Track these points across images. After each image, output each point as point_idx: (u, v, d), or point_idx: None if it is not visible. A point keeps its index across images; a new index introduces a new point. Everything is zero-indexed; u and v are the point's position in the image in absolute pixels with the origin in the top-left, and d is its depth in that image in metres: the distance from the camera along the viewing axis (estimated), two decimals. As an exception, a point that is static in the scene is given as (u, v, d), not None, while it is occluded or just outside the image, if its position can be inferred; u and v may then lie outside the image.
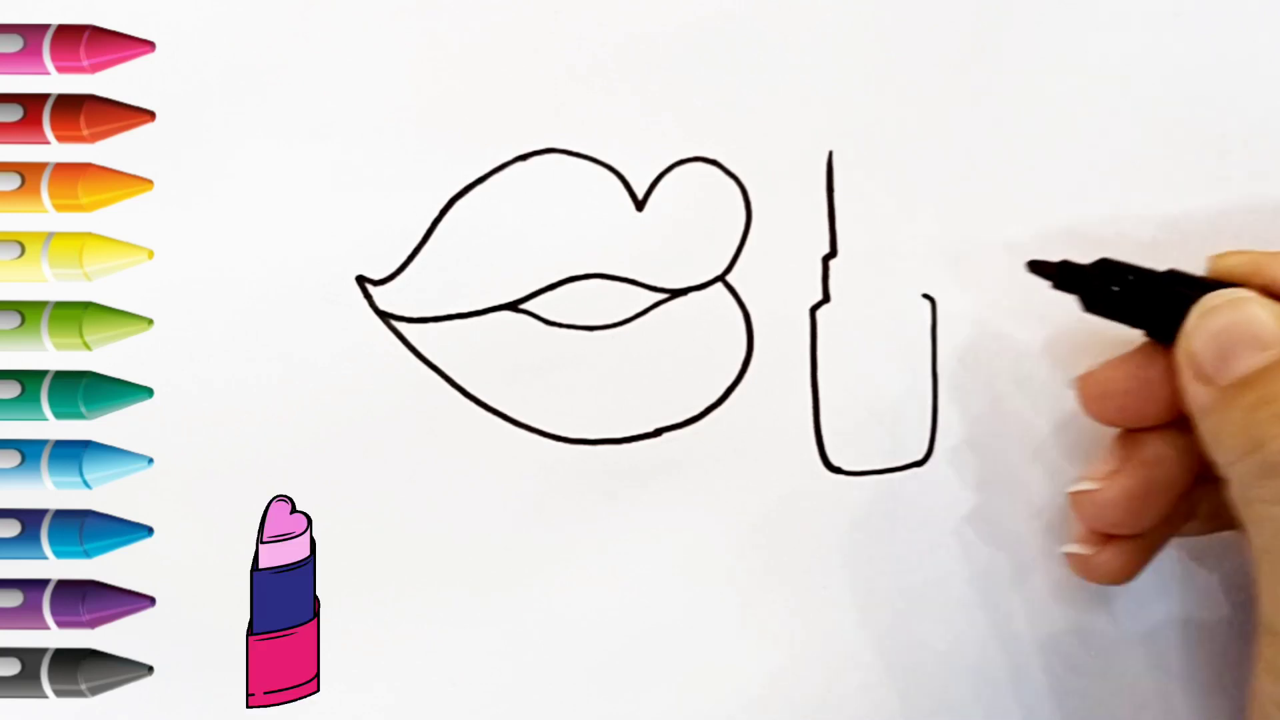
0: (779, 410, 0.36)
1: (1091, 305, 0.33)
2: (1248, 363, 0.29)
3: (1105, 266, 0.32)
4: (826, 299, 0.36)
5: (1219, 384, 0.29)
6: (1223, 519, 0.33)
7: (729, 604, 0.36)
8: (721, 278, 0.36)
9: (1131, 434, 0.33)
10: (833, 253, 0.36)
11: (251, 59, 0.36)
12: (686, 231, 0.36)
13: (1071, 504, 0.34)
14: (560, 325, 0.36)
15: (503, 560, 0.36)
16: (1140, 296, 0.32)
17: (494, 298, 0.36)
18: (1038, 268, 0.33)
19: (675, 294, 0.36)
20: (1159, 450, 0.32)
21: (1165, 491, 0.32)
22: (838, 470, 0.36)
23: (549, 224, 0.36)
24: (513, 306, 0.36)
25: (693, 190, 0.36)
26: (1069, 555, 0.34)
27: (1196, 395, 0.30)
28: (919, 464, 0.36)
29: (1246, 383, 0.29)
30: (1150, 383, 0.32)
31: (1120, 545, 0.33)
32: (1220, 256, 0.32)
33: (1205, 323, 0.30)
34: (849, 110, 0.36)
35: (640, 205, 0.36)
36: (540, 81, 0.36)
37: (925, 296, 0.36)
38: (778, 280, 0.36)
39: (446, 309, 0.36)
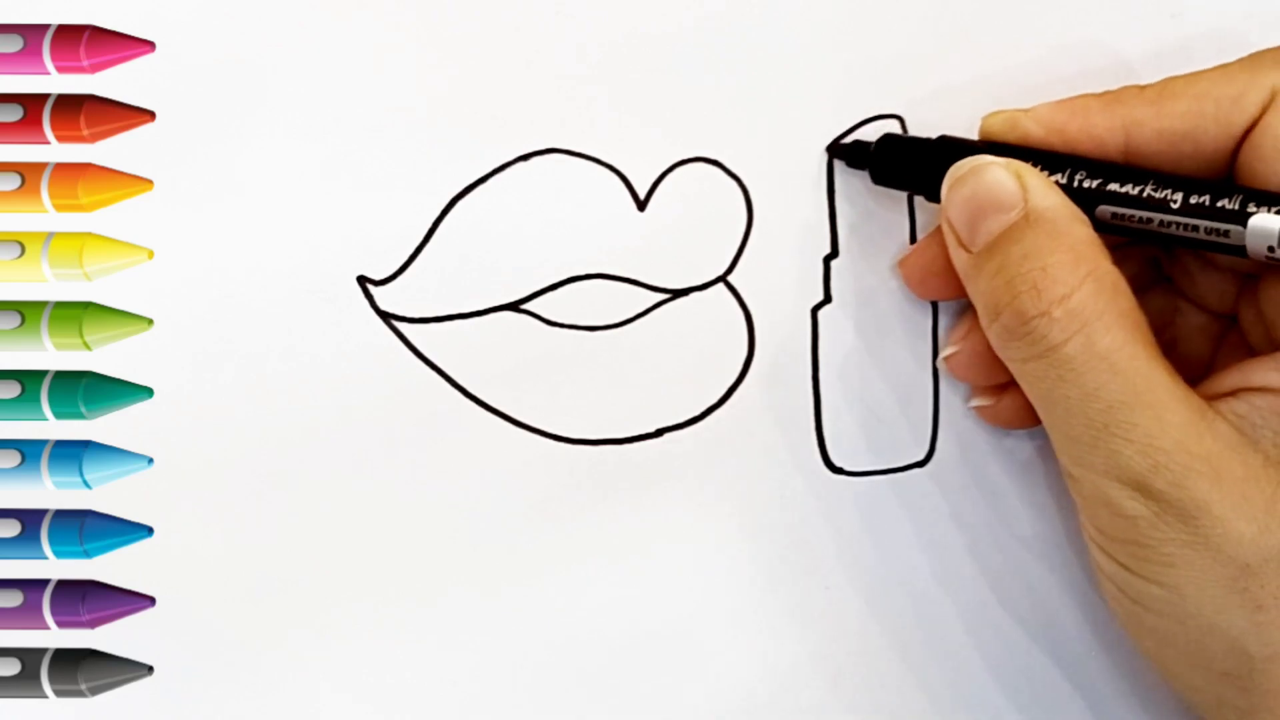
0: (780, 410, 0.36)
1: (879, 178, 0.34)
2: (990, 226, 0.30)
3: (887, 140, 0.34)
4: (828, 299, 0.36)
5: (973, 250, 0.31)
6: (1226, 301, 0.34)
7: (729, 604, 0.36)
8: (723, 278, 0.36)
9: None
10: (834, 253, 0.36)
11: (251, 59, 0.36)
12: (688, 232, 0.36)
13: (946, 369, 0.35)
14: (562, 325, 0.36)
15: (503, 560, 0.36)
16: (917, 165, 0.33)
17: (495, 298, 0.36)
18: (835, 150, 0.35)
19: (677, 294, 0.36)
20: None
21: None
22: (839, 470, 0.36)
23: (550, 224, 0.36)
24: (514, 306, 0.36)
25: (694, 190, 0.36)
26: (976, 410, 0.35)
27: (959, 262, 0.31)
28: (920, 464, 0.36)
29: (990, 248, 0.30)
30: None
31: (1015, 390, 0.34)
32: (987, 117, 0.33)
33: (954, 191, 0.31)
34: (849, 110, 0.36)
35: (642, 205, 0.36)
36: (542, 81, 0.36)
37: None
38: (779, 280, 0.36)
39: (448, 309, 0.36)
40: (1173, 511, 0.28)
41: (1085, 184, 0.31)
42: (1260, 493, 0.28)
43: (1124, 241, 0.32)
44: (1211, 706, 0.30)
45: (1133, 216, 0.31)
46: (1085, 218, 0.30)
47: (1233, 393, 0.30)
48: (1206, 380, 0.31)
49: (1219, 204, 0.30)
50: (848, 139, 0.35)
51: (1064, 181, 0.31)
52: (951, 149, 0.33)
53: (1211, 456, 0.28)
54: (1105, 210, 0.31)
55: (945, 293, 0.34)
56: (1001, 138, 0.32)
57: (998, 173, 0.31)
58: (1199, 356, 0.34)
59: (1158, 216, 0.30)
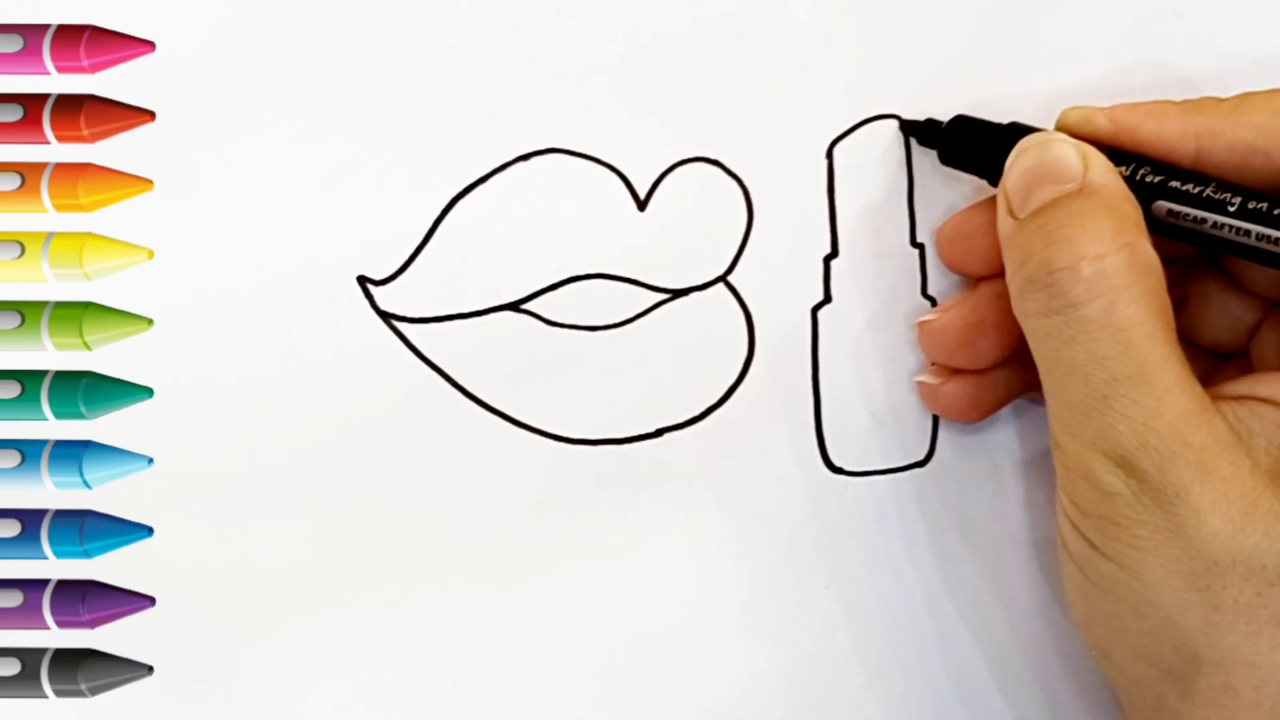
0: (780, 410, 0.36)
1: (947, 158, 0.35)
2: (1044, 194, 0.30)
3: (959, 122, 0.34)
4: (828, 299, 0.36)
5: (1020, 217, 0.31)
6: (1241, 328, 0.34)
7: (729, 604, 0.36)
8: (723, 278, 0.36)
9: (977, 279, 0.35)
10: (834, 253, 0.36)
11: (252, 59, 0.36)
12: (688, 232, 0.36)
13: (917, 336, 0.35)
14: (562, 325, 0.36)
15: (504, 560, 0.36)
16: (986, 148, 0.33)
17: (496, 298, 0.36)
18: (907, 127, 0.35)
19: (677, 294, 0.36)
20: (994, 288, 0.33)
21: (996, 328, 0.33)
22: (839, 470, 0.36)
23: (551, 224, 0.36)
24: (514, 306, 0.36)
25: (694, 190, 0.36)
26: (919, 384, 0.35)
27: (1004, 229, 0.31)
28: (920, 464, 0.36)
29: (1037, 211, 0.30)
30: (995, 231, 0.33)
31: (964, 379, 0.34)
32: (1065, 111, 0.33)
33: (1018, 161, 0.31)
34: (849, 110, 0.36)
35: (642, 205, 0.36)
36: (542, 81, 0.36)
37: (926, 296, 0.36)
38: (779, 280, 0.36)
39: (448, 309, 0.36)
40: (1151, 493, 0.28)
41: (1148, 179, 0.31)
42: (1242, 495, 0.28)
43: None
44: (1149, 707, 0.30)
45: (1188, 215, 0.31)
46: (1138, 204, 0.30)
47: (1237, 398, 0.30)
48: (1216, 382, 0.31)
49: (1276, 212, 0.30)
50: (922, 117, 0.35)
51: (1127, 174, 0.31)
52: (1023, 135, 0.33)
53: (1202, 449, 0.28)
54: (1161, 206, 0.31)
55: (971, 261, 0.34)
56: (1075, 131, 0.33)
57: (1064, 148, 0.31)
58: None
59: (1212, 217, 0.31)
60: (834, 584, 0.36)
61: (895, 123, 0.36)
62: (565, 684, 0.36)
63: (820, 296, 0.36)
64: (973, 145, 0.34)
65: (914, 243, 0.36)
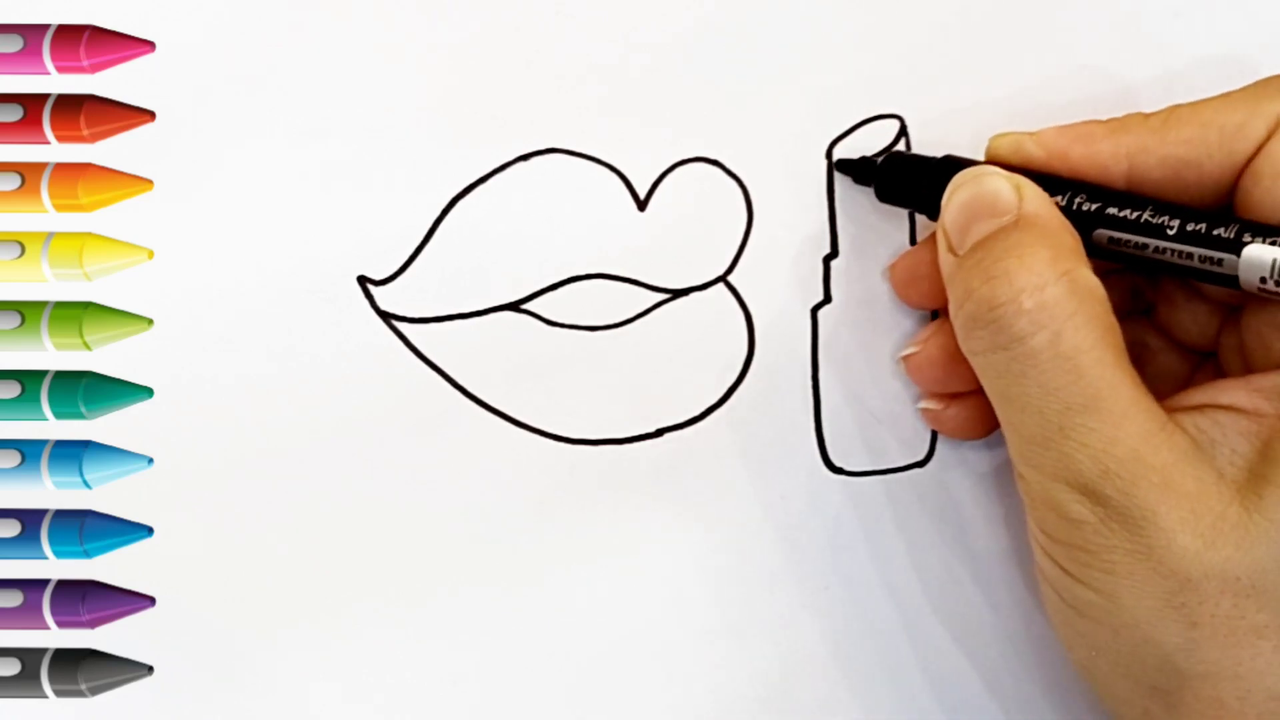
0: (780, 410, 0.36)
1: (883, 195, 0.34)
2: (981, 229, 0.30)
3: (893, 158, 0.34)
4: (828, 299, 0.36)
5: (959, 254, 0.31)
6: (1204, 337, 0.34)
7: (729, 604, 0.36)
8: (723, 278, 0.36)
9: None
10: (834, 253, 0.36)
11: (252, 59, 0.36)
12: (688, 232, 0.36)
13: (904, 368, 0.35)
14: (562, 325, 0.36)
15: (504, 560, 0.36)
16: (922, 184, 0.33)
17: (496, 298, 0.36)
18: (843, 166, 0.35)
19: (677, 294, 0.36)
20: None
21: None
22: (839, 470, 0.36)
23: (551, 224, 0.36)
24: (514, 306, 0.36)
25: (694, 190, 0.36)
26: (923, 411, 0.35)
27: (945, 266, 0.31)
28: (920, 464, 0.36)
29: (975, 246, 0.30)
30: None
31: (963, 401, 0.34)
32: (993, 139, 0.33)
33: (954, 197, 0.31)
34: (849, 110, 0.36)
35: (642, 205, 0.36)
36: (542, 81, 0.36)
37: (926, 296, 0.36)
38: (779, 280, 0.36)
39: (448, 309, 0.36)
40: (1119, 518, 0.28)
41: (1084, 207, 0.31)
42: (1209, 509, 0.28)
43: (1114, 268, 0.32)
44: None
45: (1128, 241, 0.31)
46: (1075, 231, 0.30)
47: (1197, 408, 0.30)
48: (1173, 395, 0.31)
49: (1215, 232, 0.30)
50: (854, 155, 0.35)
51: (1063, 204, 0.31)
52: (956, 168, 0.32)
53: (1165, 468, 0.28)
54: (1102, 234, 0.31)
55: (929, 300, 0.34)
56: (1006, 160, 0.32)
57: (997, 181, 0.31)
58: (1164, 394, 0.34)
59: (1153, 243, 0.30)
60: (833, 584, 0.36)
61: (896, 123, 0.36)
62: (565, 683, 0.36)
63: (820, 296, 0.36)
64: (908, 181, 0.34)
65: (914, 243, 0.36)
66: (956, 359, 0.32)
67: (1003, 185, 0.30)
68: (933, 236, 0.33)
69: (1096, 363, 0.28)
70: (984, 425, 0.34)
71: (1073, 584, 0.30)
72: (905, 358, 0.35)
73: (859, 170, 0.35)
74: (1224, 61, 0.36)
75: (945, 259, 0.31)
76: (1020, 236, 0.30)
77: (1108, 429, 0.28)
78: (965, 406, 0.34)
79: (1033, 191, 0.30)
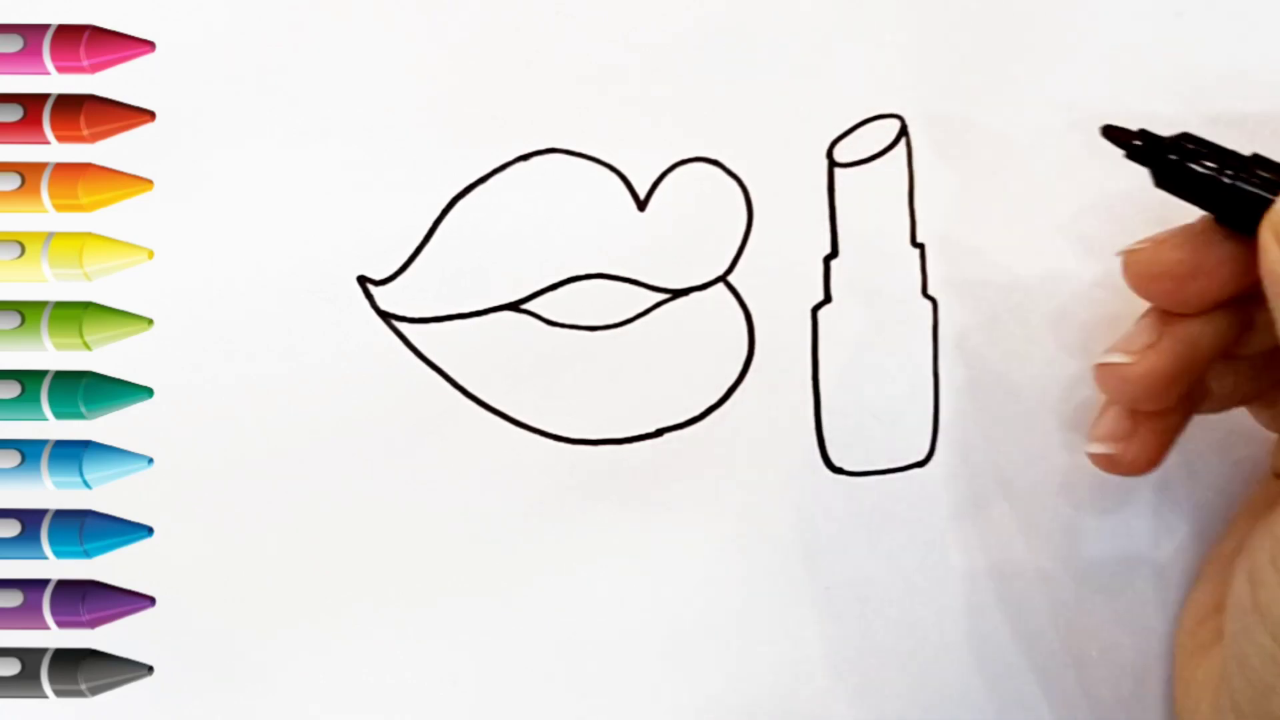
0: (780, 410, 0.36)
1: (1164, 180, 0.31)
2: None
3: (1186, 140, 0.31)
4: (828, 299, 0.36)
5: None
6: (1236, 396, 0.33)
7: (729, 604, 0.36)
8: (723, 278, 0.36)
9: (1167, 312, 0.32)
10: (834, 253, 0.36)
11: (252, 59, 0.36)
12: (688, 231, 0.36)
13: (1097, 377, 0.32)
14: (562, 325, 0.36)
15: (503, 560, 0.36)
16: (1218, 175, 0.30)
17: (495, 298, 0.36)
18: (1112, 133, 0.31)
19: (677, 294, 0.36)
20: (1195, 330, 0.31)
21: (1193, 370, 0.32)
22: (839, 470, 0.36)
23: (551, 224, 0.36)
24: (514, 307, 0.36)
25: (694, 190, 0.36)
26: (1095, 457, 0.33)
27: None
28: (920, 464, 0.36)
29: None
30: (1203, 265, 0.31)
31: (1150, 426, 0.32)
32: None
33: None
34: (849, 110, 0.36)
35: (642, 205, 0.36)
36: (542, 81, 0.36)
37: (926, 296, 0.36)
38: (779, 280, 0.36)
39: (448, 309, 0.36)
40: None
41: None
42: None
43: None
44: None
45: None
46: None
47: None
48: None
49: None
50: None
51: None
52: (1266, 167, 0.30)
53: None
54: None
55: (1167, 297, 0.31)
56: None
57: None
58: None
59: None
60: (833, 584, 0.36)
61: (896, 123, 0.36)
62: (565, 684, 0.36)
63: (820, 296, 0.36)
64: (1201, 171, 0.30)
65: (914, 243, 0.36)
66: (1168, 378, 0.31)
67: None
68: (1182, 233, 0.31)
69: None
70: (1161, 451, 0.33)
71: None
72: (1108, 367, 0.32)
73: (1136, 145, 0.31)
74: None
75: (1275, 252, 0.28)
76: None
77: None
78: (1151, 433, 0.32)
79: None
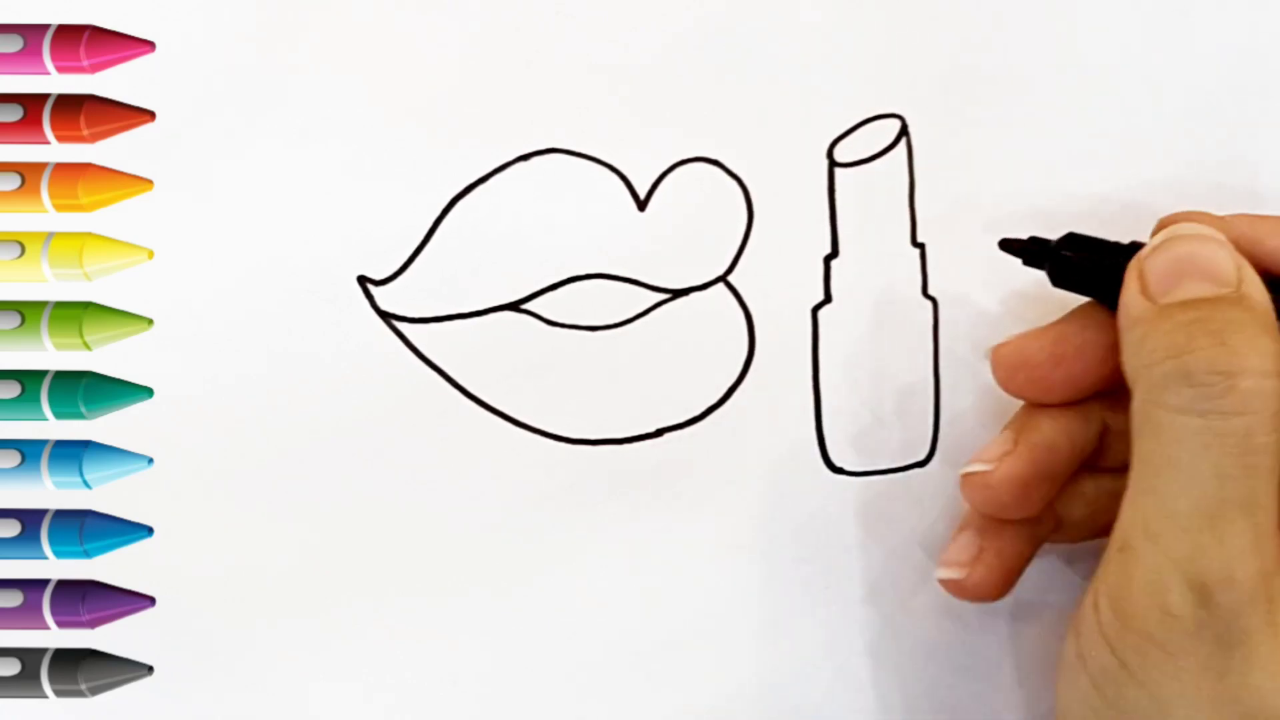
0: (780, 410, 0.36)
1: (1058, 279, 0.32)
2: (1194, 289, 0.29)
3: (1071, 240, 0.32)
4: (828, 299, 0.36)
5: (1159, 302, 0.29)
6: (1086, 526, 0.34)
7: (728, 604, 0.36)
8: (723, 278, 0.36)
9: (1025, 419, 0.33)
10: (834, 253, 0.36)
11: (252, 59, 0.36)
12: (688, 232, 0.36)
13: (962, 486, 0.33)
14: (562, 325, 0.36)
15: (503, 560, 0.36)
16: (1104, 267, 0.31)
17: (495, 298, 0.36)
18: (1008, 245, 0.33)
19: (677, 294, 0.36)
20: (1052, 435, 0.32)
21: (1051, 477, 0.32)
22: (839, 470, 0.36)
23: (551, 224, 0.36)
24: (514, 307, 0.36)
25: (694, 190, 0.36)
26: (943, 582, 0.34)
27: (1134, 305, 0.30)
28: (921, 464, 0.36)
29: (1188, 304, 0.29)
30: (1065, 352, 0.32)
31: (995, 550, 0.33)
32: (1170, 217, 0.32)
33: (1170, 245, 0.30)
34: (849, 110, 0.36)
35: (642, 205, 0.36)
36: (542, 81, 0.36)
37: (927, 296, 0.36)
38: (779, 280, 0.36)
39: (448, 309, 0.36)
40: (1215, 629, 0.27)
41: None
42: None
43: None
44: None
45: None
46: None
47: None
48: None
49: None
50: (1024, 235, 0.33)
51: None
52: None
53: (1275, 601, 0.27)
54: None
55: (1037, 390, 0.33)
56: None
57: (1219, 250, 0.29)
58: None
59: None
60: (833, 584, 0.36)
61: (896, 123, 0.36)
62: (565, 684, 0.36)
63: (820, 296, 0.36)
64: (1089, 265, 0.32)
65: (914, 243, 0.36)
66: (1028, 483, 0.32)
67: (1225, 256, 0.29)
68: (1047, 328, 0.32)
69: (1269, 472, 0.27)
70: (1007, 582, 0.33)
71: (1126, 680, 0.28)
72: (971, 475, 0.33)
73: (1030, 253, 0.33)
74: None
75: (1136, 302, 0.29)
76: (1242, 316, 0.28)
77: (1251, 538, 0.27)
78: (996, 558, 0.33)
79: (1252, 275, 0.29)
